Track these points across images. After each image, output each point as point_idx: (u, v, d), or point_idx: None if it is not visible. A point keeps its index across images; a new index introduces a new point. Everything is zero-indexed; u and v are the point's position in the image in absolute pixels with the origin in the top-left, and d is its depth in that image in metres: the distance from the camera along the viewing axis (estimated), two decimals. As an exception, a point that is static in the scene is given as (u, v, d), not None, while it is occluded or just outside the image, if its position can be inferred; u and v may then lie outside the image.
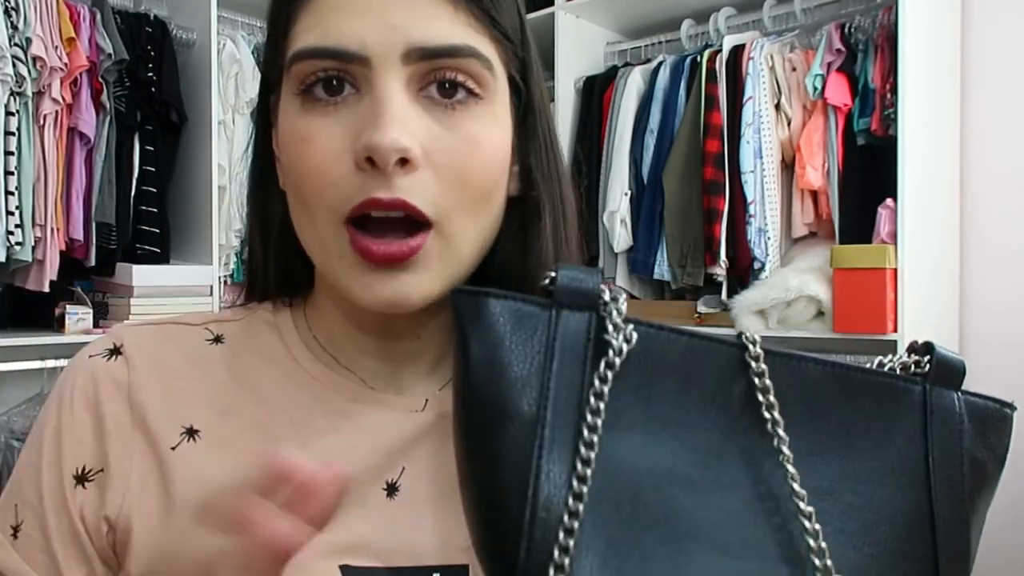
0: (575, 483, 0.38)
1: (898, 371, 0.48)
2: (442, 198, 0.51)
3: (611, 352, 0.40)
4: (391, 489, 0.56)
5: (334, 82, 0.51)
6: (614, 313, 0.40)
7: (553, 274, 0.41)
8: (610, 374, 0.39)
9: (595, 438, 0.38)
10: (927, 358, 0.47)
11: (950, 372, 0.47)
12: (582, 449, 0.38)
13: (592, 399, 0.39)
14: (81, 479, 0.54)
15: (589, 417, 0.39)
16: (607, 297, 0.41)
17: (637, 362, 0.41)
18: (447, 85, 0.51)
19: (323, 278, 0.59)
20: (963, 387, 0.48)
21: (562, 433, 0.38)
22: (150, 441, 0.55)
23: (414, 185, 0.50)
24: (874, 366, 0.49)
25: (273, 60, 0.56)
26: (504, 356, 0.39)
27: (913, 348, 0.48)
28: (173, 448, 0.55)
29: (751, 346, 0.43)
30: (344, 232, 0.51)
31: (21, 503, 0.55)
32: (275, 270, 0.62)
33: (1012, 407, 0.49)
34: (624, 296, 0.41)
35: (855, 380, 0.46)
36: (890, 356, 0.49)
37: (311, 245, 0.55)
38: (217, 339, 0.60)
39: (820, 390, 0.45)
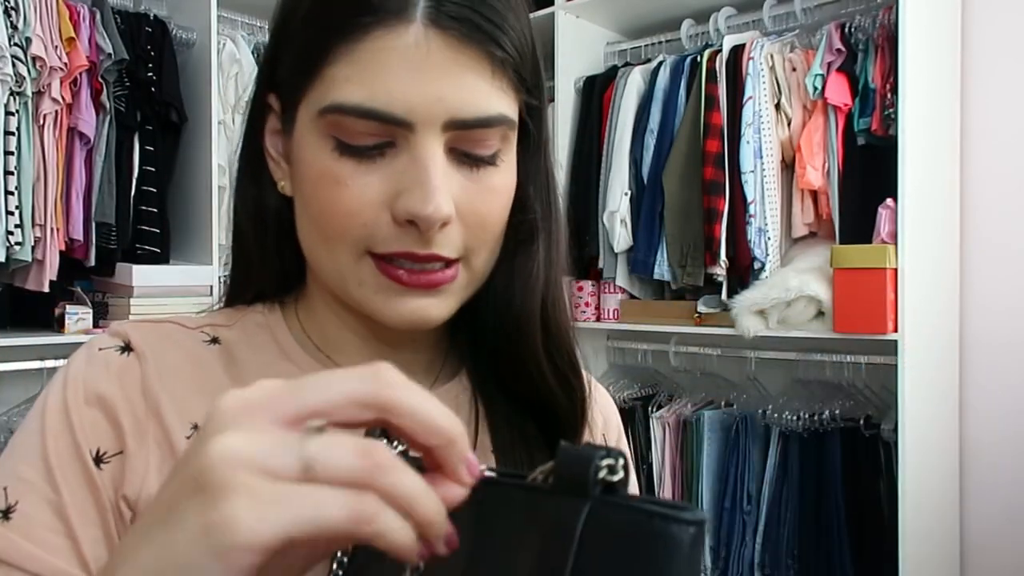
0: None
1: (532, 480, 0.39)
2: (468, 242, 0.56)
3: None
4: None
5: (372, 143, 0.53)
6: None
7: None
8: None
9: None
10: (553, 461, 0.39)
11: (575, 475, 0.37)
12: None
13: None
14: (98, 460, 0.54)
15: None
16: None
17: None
18: (475, 154, 0.55)
19: (324, 286, 0.61)
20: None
21: None
22: (165, 433, 0.56)
23: (447, 239, 0.55)
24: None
25: (293, 79, 0.56)
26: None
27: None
28: (188, 438, 0.55)
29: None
30: (367, 261, 0.55)
31: (14, 484, 0.53)
32: (271, 269, 0.63)
33: (679, 520, 0.35)
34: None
35: (501, 491, 0.39)
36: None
37: (326, 269, 0.57)
38: (214, 340, 0.61)
39: (482, 507, 0.39)
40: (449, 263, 0.55)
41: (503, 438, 0.62)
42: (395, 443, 0.38)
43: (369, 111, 0.52)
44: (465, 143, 0.55)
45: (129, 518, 0.54)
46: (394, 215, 0.53)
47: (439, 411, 0.36)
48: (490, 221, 0.57)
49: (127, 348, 0.58)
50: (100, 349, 0.58)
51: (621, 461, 0.37)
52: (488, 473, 0.39)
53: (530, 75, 0.58)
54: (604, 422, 0.72)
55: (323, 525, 0.32)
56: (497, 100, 0.54)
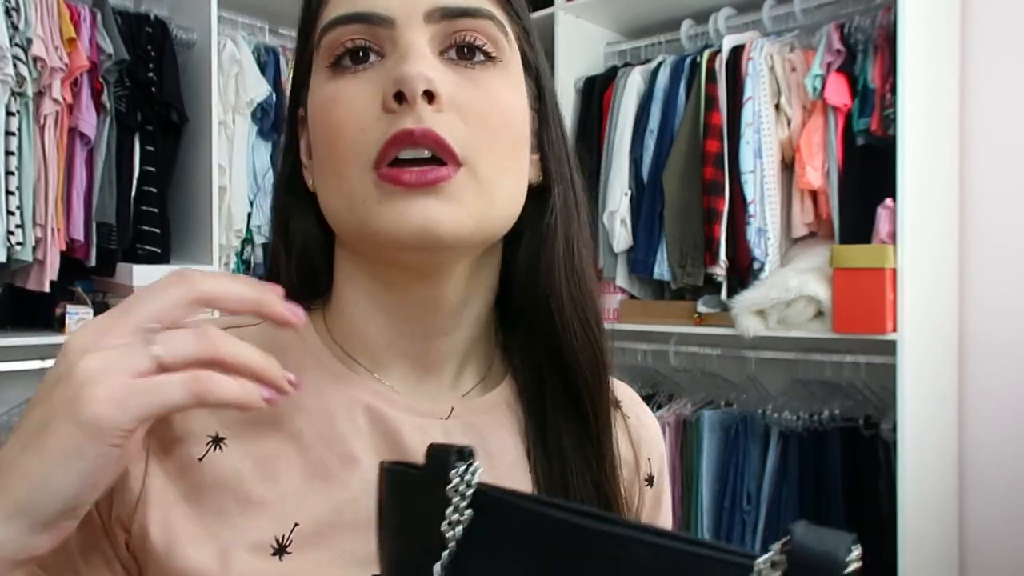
0: None
1: (760, 563, 0.37)
2: (470, 138, 0.53)
3: (450, 528, 0.44)
4: None
5: (360, 52, 0.54)
6: (460, 487, 0.45)
7: (428, 450, 0.47)
8: (445, 554, 0.44)
9: None
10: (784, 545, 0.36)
11: (816, 569, 0.35)
12: None
13: (436, 566, 0.44)
14: None
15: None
16: (456, 476, 0.45)
17: (490, 532, 0.45)
18: (466, 49, 0.55)
19: (350, 270, 0.59)
20: None
21: None
22: (171, 450, 0.54)
23: (442, 121, 0.52)
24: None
25: (302, 52, 0.59)
26: (393, 518, 0.47)
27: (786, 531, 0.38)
28: (200, 459, 0.54)
29: (573, 528, 0.41)
30: (371, 174, 0.52)
31: None
32: (297, 272, 0.62)
33: None
34: (473, 466, 0.45)
35: (682, 563, 0.38)
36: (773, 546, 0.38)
37: (338, 204, 0.55)
38: None
39: (651, 568, 0.39)
40: (449, 160, 0.52)
41: (546, 448, 0.60)
42: (472, 466, 0.45)
43: (350, 15, 0.53)
44: (453, 44, 0.54)
45: (124, 540, 0.53)
46: (383, 101, 0.52)
47: (240, 285, 0.50)
48: (492, 121, 0.54)
49: None
50: None
51: (857, 551, 0.35)
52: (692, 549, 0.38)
53: (516, 3, 0.59)
54: (649, 449, 0.68)
55: (170, 406, 0.44)
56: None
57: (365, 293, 0.59)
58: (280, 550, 0.52)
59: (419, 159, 0.52)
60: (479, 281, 0.60)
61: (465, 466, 0.46)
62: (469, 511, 0.45)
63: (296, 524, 0.53)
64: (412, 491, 0.47)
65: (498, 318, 0.63)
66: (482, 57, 0.55)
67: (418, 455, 0.54)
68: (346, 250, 0.59)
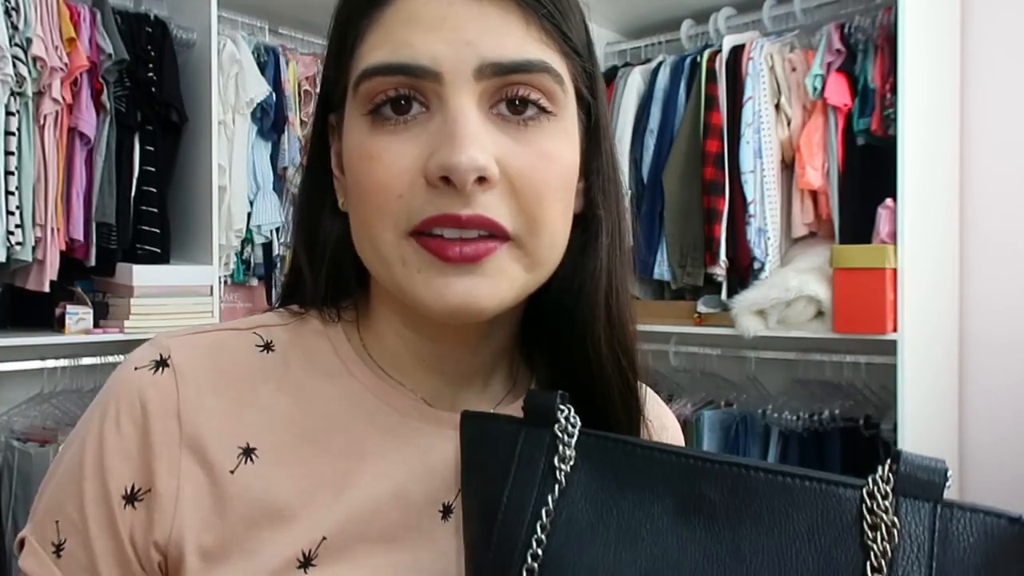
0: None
1: (879, 482, 0.43)
2: (520, 213, 0.50)
3: (560, 462, 0.49)
4: (446, 511, 0.55)
5: (403, 101, 0.50)
6: (567, 429, 0.49)
7: (525, 398, 0.52)
8: (556, 487, 0.48)
9: (543, 537, 0.46)
10: (894, 466, 0.43)
11: (921, 480, 0.43)
12: (533, 543, 0.47)
13: (546, 501, 0.47)
14: (131, 498, 0.51)
15: (542, 517, 0.47)
16: (561, 417, 0.50)
17: (595, 472, 0.48)
18: (518, 102, 0.50)
19: (383, 297, 0.58)
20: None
21: (514, 530, 0.47)
22: (203, 461, 0.52)
23: (492, 202, 0.49)
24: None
25: (337, 79, 0.55)
26: (487, 461, 0.51)
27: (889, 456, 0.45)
28: (232, 472, 0.52)
29: (697, 458, 0.46)
30: (409, 240, 0.50)
31: (63, 520, 0.52)
32: (325, 285, 0.59)
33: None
34: (573, 411, 0.50)
35: (798, 490, 0.44)
36: (880, 467, 0.44)
37: (372, 258, 0.53)
38: (267, 346, 0.58)
39: (769, 503, 0.44)
40: (496, 235, 0.49)
41: None
42: (568, 412, 0.49)
43: (395, 66, 0.49)
44: (505, 100, 0.50)
45: (158, 563, 0.51)
46: (427, 176, 0.48)
47: None
48: (546, 193, 0.50)
49: (163, 364, 0.54)
50: (136, 368, 0.54)
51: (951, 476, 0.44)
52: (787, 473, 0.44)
53: (576, 35, 0.53)
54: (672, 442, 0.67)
55: None
56: (535, 48, 0.50)
57: (398, 318, 0.57)
58: (305, 563, 0.51)
59: (466, 236, 0.49)
60: (509, 312, 0.57)
61: (567, 409, 0.50)
62: (574, 450, 0.48)
63: (324, 538, 0.52)
64: (505, 436, 0.50)
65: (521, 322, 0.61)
66: (535, 111, 0.51)
67: (447, 468, 0.56)
68: (384, 291, 0.57)
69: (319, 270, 0.59)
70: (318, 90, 0.60)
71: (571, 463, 0.48)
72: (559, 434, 0.49)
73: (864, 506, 0.42)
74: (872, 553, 0.42)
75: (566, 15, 0.52)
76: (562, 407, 0.50)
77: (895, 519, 0.42)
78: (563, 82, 0.52)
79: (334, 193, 0.58)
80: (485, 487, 0.50)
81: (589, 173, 0.56)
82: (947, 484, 0.43)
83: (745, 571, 0.43)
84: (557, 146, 0.52)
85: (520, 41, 0.50)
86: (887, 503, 0.42)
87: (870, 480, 0.43)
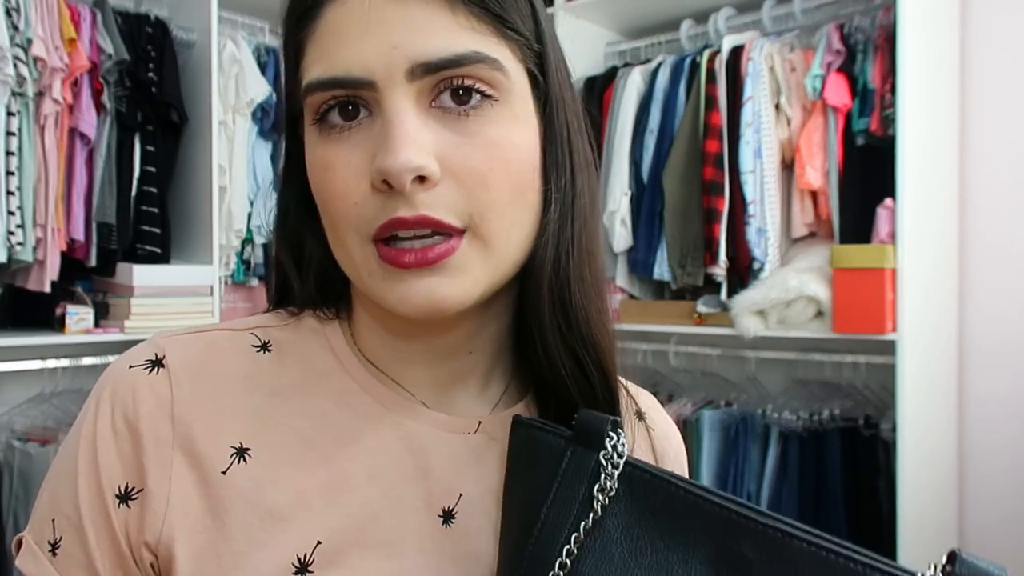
0: None
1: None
2: (469, 205, 0.50)
3: (599, 492, 0.48)
4: (447, 517, 0.55)
5: (349, 107, 0.51)
6: (612, 458, 0.49)
7: (577, 416, 0.51)
8: (592, 516, 0.47)
9: (567, 561, 0.46)
10: (949, 567, 0.41)
11: None
12: (556, 566, 0.46)
13: (579, 527, 0.47)
14: (124, 498, 0.52)
15: (571, 543, 0.47)
16: (609, 444, 0.49)
17: (636, 506, 0.47)
18: (460, 92, 0.50)
19: (364, 301, 0.58)
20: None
21: (547, 548, 0.47)
22: (195, 463, 0.52)
23: (436, 199, 0.49)
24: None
25: (293, 90, 0.56)
26: (528, 475, 0.51)
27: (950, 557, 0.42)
28: (224, 472, 0.52)
29: (740, 514, 0.44)
30: (372, 249, 0.51)
31: (59, 518, 0.52)
32: (313, 285, 0.60)
33: None
34: (623, 438, 0.49)
35: (840, 568, 0.42)
36: (932, 565, 0.42)
37: (344, 265, 0.54)
38: (264, 346, 0.58)
39: (805, 571, 0.42)
40: (450, 233, 0.50)
41: None
42: (616, 440, 0.49)
43: (330, 80, 0.50)
44: (443, 94, 0.50)
45: (151, 563, 0.51)
46: (372, 182, 0.49)
47: None
48: (493, 179, 0.50)
49: (159, 364, 0.54)
50: (131, 367, 0.54)
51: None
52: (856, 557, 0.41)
53: (517, 16, 0.52)
54: (672, 465, 0.66)
55: None
56: (466, 38, 0.49)
57: (381, 322, 0.57)
58: (302, 569, 0.51)
59: (419, 236, 0.50)
60: (495, 304, 0.57)
61: (617, 437, 0.49)
62: (616, 481, 0.48)
63: (319, 542, 0.52)
64: (552, 451, 0.50)
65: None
66: (478, 99, 0.50)
67: (445, 472, 0.56)
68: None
69: (306, 278, 0.59)
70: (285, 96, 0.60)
71: (611, 494, 0.48)
72: (603, 462, 0.49)
73: None
74: None
75: None
76: (612, 433, 0.49)
77: None
78: (503, 68, 0.51)
79: (308, 192, 0.58)
80: (526, 500, 0.50)
81: (546, 151, 0.55)
82: None
83: None
84: (503, 131, 0.51)
85: (449, 35, 0.49)
86: None
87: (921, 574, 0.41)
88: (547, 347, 0.55)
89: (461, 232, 0.50)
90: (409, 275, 0.50)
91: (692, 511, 0.45)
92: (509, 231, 0.52)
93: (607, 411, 0.56)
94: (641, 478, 0.48)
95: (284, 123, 0.60)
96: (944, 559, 0.41)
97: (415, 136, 0.48)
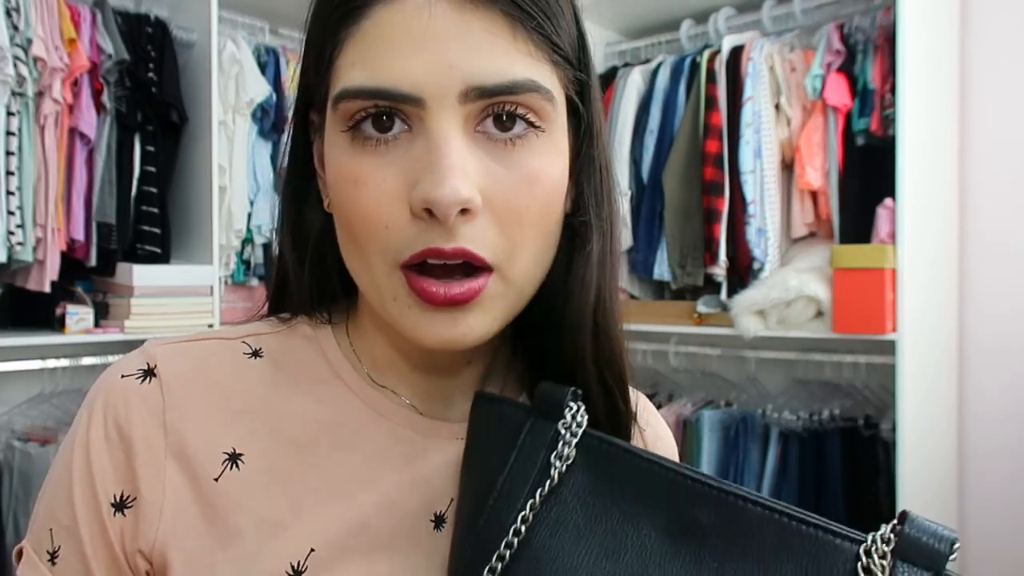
0: (495, 563, 0.46)
1: (879, 541, 0.42)
2: (503, 241, 0.49)
3: (556, 459, 0.48)
4: (438, 521, 0.55)
5: (383, 118, 0.48)
6: (571, 427, 0.49)
7: (538, 388, 0.51)
8: (548, 483, 0.47)
9: (522, 527, 0.46)
10: (899, 527, 0.42)
11: (925, 547, 0.41)
12: (510, 532, 0.46)
13: (535, 494, 0.47)
14: (120, 506, 0.51)
15: (526, 510, 0.47)
16: (568, 414, 0.49)
17: (593, 474, 0.47)
18: (504, 118, 0.48)
19: (371, 308, 0.56)
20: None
21: (503, 514, 0.47)
22: (187, 471, 0.52)
23: (475, 232, 0.48)
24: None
25: (317, 83, 0.53)
26: (490, 446, 0.50)
27: (900, 518, 0.43)
28: (216, 479, 0.52)
29: (696, 480, 0.45)
30: (399, 275, 0.49)
31: (57, 527, 0.52)
32: (311, 284, 0.59)
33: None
34: (582, 409, 0.50)
35: (794, 531, 0.43)
36: (884, 526, 0.42)
37: (363, 283, 0.52)
38: (256, 353, 0.57)
39: (761, 538, 0.43)
40: (479, 270, 0.49)
41: None
42: (576, 410, 0.50)
43: (373, 91, 0.47)
44: (490, 120, 0.48)
45: (146, 571, 0.51)
46: (411, 208, 0.47)
47: None
48: (528, 217, 0.49)
49: (150, 373, 0.54)
50: (123, 376, 0.54)
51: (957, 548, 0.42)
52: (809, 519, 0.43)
53: (568, 42, 0.51)
54: (665, 454, 0.65)
55: None
56: (523, 64, 0.48)
57: (385, 333, 0.57)
58: (296, 575, 0.51)
59: (448, 265, 0.48)
60: None
61: (577, 408, 0.50)
62: (574, 449, 0.48)
63: (312, 549, 0.51)
64: (512, 423, 0.50)
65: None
66: (523, 127, 0.49)
67: (438, 477, 0.55)
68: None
69: (307, 270, 0.58)
70: (297, 87, 0.58)
71: (569, 461, 0.48)
72: (562, 431, 0.49)
73: (860, 564, 0.41)
74: None
75: (555, 20, 0.50)
76: (571, 403, 0.50)
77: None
78: (552, 98, 0.50)
79: (315, 190, 0.57)
80: (483, 470, 0.50)
81: (580, 179, 0.55)
82: (952, 556, 0.41)
83: None
84: (544, 163, 0.50)
85: (507, 59, 0.47)
86: (884, 563, 0.40)
87: (870, 538, 0.41)
88: (584, 370, 0.54)
89: (489, 271, 0.49)
90: (438, 312, 0.49)
91: (648, 479, 0.46)
92: (532, 269, 0.51)
93: (624, 419, 0.57)
94: (599, 447, 0.48)
95: (294, 113, 0.57)
96: (896, 520, 0.42)
97: (462, 165, 0.47)
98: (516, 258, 0.50)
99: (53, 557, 0.52)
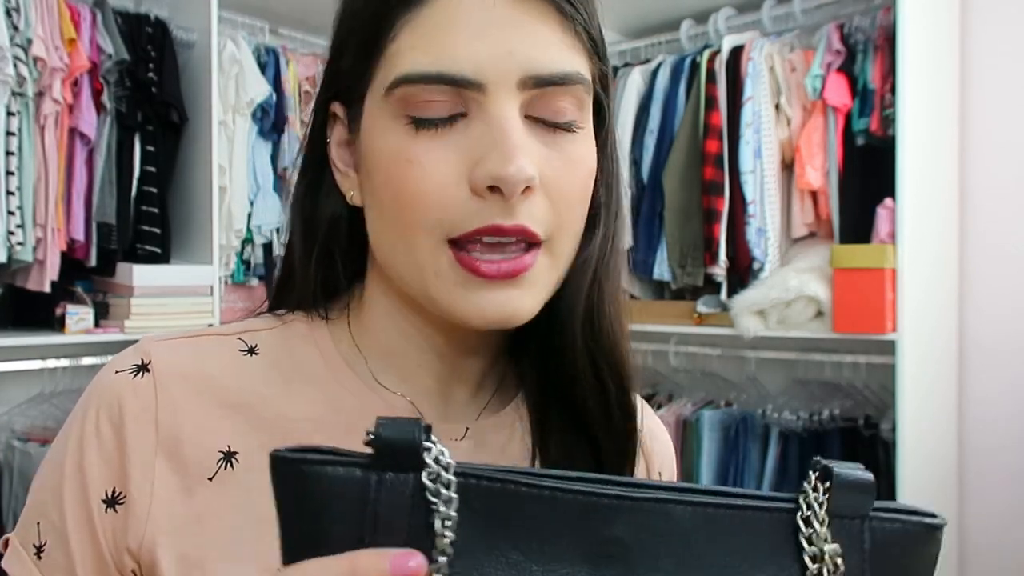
0: None
1: (815, 506, 0.40)
2: (553, 220, 0.51)
3: (437, 522, 0.36)
4: None
5: (442, 102, 0.49)
6: (439, 476, 0.36)
7: (373, 431, 0.37)
8: (442, 560, 0.36)
9: None
10: (827, 485, 0.40)
11: (854, 498, 0.40)
12: None
13: None
14: (111, 502, 0.51)
15: None
16: (430, 458, 0.36)
17: (483, 526, 0.37)
18: (553, 107, 0.51)
19: (388, 294, 0.56)
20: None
21: None
22: (180, 468, 0.52)
23: (532, 210, 0.49)
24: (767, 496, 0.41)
25: (359, 72, 0.53)
26: (323, 528, 0.36)
27: (814, 470, 0.41)
28: (211, 478, 0.52)
29: (598, 494, 0.38)
30: (445, 250, 0.50)
31: (44, 522, 0.53)
32: (316, 278, 0.58)
33: (939, 526, 0.41)
34: (440, 444, 0.37)
35: (724, 518, 0.39)
36: (807, 488, 0.40)
37: (402, 265, 0.52)
38: (251, 350, 0.57)
39: (691, 536, 0.39)
40: (530, 246, 0.50)
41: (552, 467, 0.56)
42: (436, 451, 0.37)
43: (436, 75, 0.48)
44: (541, 108, 0.50)
45: (132, 570, 0.51)
46: (473, 186, 0.48)
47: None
48: (573, 197, 0.52)
49: (144, 369, 0.54)
50: (116, 372, 0.54)
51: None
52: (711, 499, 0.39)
53: (599, 38, 0.54)
54: (660, 461, 0.66)
55: None
56: (571, 57, 0.51)
57: (402, 318, 0.57)
58: None
59: (502, 243, 0.49)
60: None
61: (434, 444, 0.37)
62: (454, 505, 0.36)
63: None
64: (347, 488, 0.36)
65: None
66: (568, 119, 0.51)
67: None
68: (388, 284, 0.56)
69: (310, 261, 0.58)
70: (322, 78, 0.58)
71: (454, 521, 0.36)
72: (429, 484, 0.36)
73: (800, 533, 0.39)
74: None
75: (593, 19, 0.53)
76: (428, 443, 0.37)
77: (836, 547, 0.39)
78: (591, 90, 0.53)
79: (327, 182, 0.57)
80: (319, 552, 0.36)
81: (597, 170, 0.56)
82: (874, 495, 0.40)
83: None
84: (583, 151, 0.52)
85: (559, 51, 0.50)
86: (824, 530, 0.39)
87: (803, 502, 0.40)
88: (575, 365, 0.54)
89: (539, 246, 0.50)
90: (487, 285, 0.49)
91: (545, 507, 0.37)
92: (572, 248, 0.53)
93: (621, 421, 0.55)
94: (477, 488, 0.37)
95: (315, 104, 0.58)
96: (816, 476, 0.40)
97: (526, 144, 0.49)
98: (562, 236, 0.52)
99: (39, 551, 0.52)
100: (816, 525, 0.39)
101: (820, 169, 2.30)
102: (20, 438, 2.05)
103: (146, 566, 0.51)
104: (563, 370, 0.55)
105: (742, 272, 2.42)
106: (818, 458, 0.41)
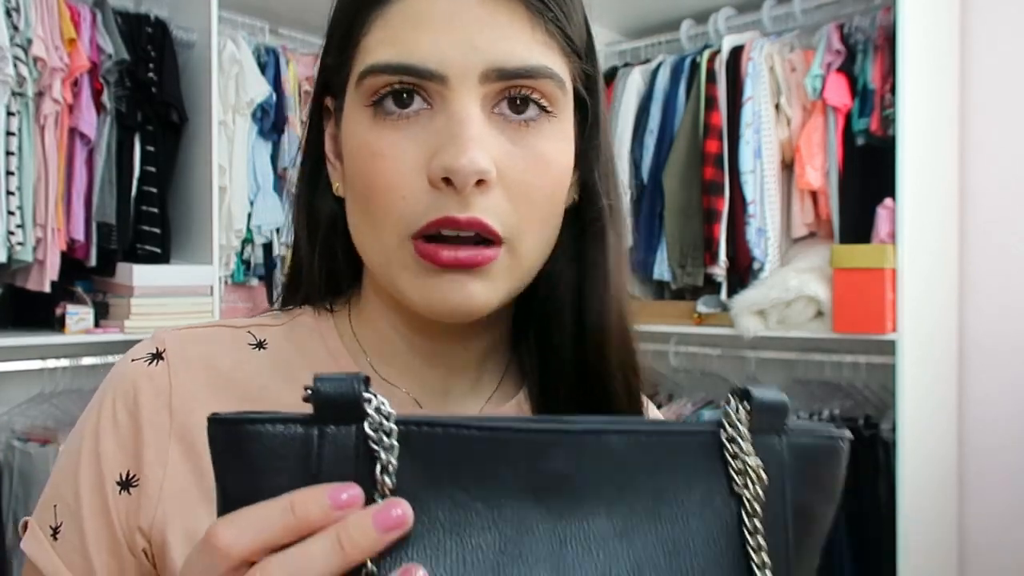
0: None
1: (739, 425, 0.42)
2: (513, 216, 0.51)
3: (383, 474, 0.36)
4: None
5: (404, 95, 0.50)
6: (380, 424, 0.37)
7: (312, 387, 0.37)
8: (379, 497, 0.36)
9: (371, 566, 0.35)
10: (746, 405, 0.42)
11: (771, 416, 0.43)
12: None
13: None
14: (125, 484, 0.53)
15: (368, 564, 0.35)
16: (371, 408, 0.37)
17: (425, 473, 0.37)
18: (519, 102, 0.51)
19: (378, 286, 0.58)
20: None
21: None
22: (191, 452, 0.53)
23: (488, 204, 0.50)
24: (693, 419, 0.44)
25: (338, 66, 0.55)
26: (265, 488, 0.36)
27: (732, 394, 0.43)
28: None
29: (534, 430, 0.39)
30: (410, 245, 0.51)
31: (61, 504, 0.54)
32: (320, 272, 0.60)
33: (844, 438, 0.47)
34: (388, 404, 0.37)
35: (655, 444, 0.41)
36: (727, 406, 0.43)
37: (372, 255, 0.54)
38: (260, 344, 0.58)
39: (628, 464, 0.40)
40: (490, 242, 0.50)
41: None
42: (376, 402, 0.37)
43: (400, 66, 0.50)
44: (507, 102, 0.51)
45: (143, 548, 0.53)
46: (429, 177, 0.49)
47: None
48: (537, 195, 0.52)
49: (158, 356, 0.56)
50: (133, 360, 0.56)
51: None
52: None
53: (578, 36, 0.54)
54: None
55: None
56: (539, 52, 0.51)
57: (393, 310, 0.58)
58: None
59: (461, 237, 0.50)
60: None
61: (377, 398, 0.37)
62: (395, 452, 0.36)
63: None
64: (288, 445, 0.36)
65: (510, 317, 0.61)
66: (536, 112, 0.52)
67: None
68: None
69: (314, 255, 0.60)
70: (317, 74, 0.60)
71: (395, 468, 0.36)
72: (372, 433, 0.36)
73: (725, 450, 0.42)
74: (745, 499, 0.41)
75: (570, 17, 0.53)
76: (367, 394, 0.37)
77: (759, 461, 0.42)
78: (564, 85, 0.52)
79: (325, 177, 0.59)
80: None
81: (588, 169, 0.57)
82: (787, 414, 0.44)
83: (626, 546, 0.39)
84: (554, 147, 0.53)
85: (526, 46, 0.50)
86: (747, 445, 0.42)
87: (725, 422, 0.42)
88: (609, 372, 0.56)
89: (500, 244, 0.51)
90: (445, 275, 0.50)
91: (486, 447, 0.38)
92: (538, 249, 0.53)
93: (625, 406, 0.57)
94: (418, 434, 0.37)
95: (312, 99, 0.60)
96: (736, 399, 0.42)
97: (482, 138, 0.49)
98: (525, 234, 0.52)
99: (55, 532, 0.54)
100: (740, 441, 0.42)
101: (820, 169, 2.30)
102: (20, 438, 2.05)
103: (156, 544, 0.52)
104: (565, 367, 0.56)
105: (742, 272, 2.42)
106: (736, 384, 0.43)
